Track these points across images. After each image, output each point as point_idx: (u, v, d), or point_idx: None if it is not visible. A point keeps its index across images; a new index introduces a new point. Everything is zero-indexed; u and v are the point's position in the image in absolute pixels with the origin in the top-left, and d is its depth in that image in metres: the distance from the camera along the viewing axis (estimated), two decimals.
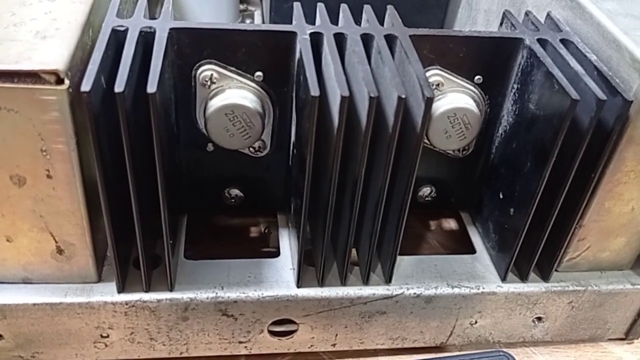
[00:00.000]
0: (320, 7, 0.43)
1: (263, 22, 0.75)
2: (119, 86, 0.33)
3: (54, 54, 0.33)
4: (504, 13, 0.45)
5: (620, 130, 0.38)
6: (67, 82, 0.33)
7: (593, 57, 0.40)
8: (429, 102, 0.35)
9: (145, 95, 0.33)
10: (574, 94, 0.36)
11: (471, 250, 0.48)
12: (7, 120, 0.34)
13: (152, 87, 0.33)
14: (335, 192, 0.38)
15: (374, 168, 0.39)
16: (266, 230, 0.51)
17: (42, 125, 0.34)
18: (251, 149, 0.45)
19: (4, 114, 0.33)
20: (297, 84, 0.41)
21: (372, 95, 0.34)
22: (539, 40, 0.42)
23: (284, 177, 0.47)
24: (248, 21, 0.71)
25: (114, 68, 0.35)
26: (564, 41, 0.42)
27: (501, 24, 0.46)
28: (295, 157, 0.43)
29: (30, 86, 0.33)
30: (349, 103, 0.34)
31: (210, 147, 0.45)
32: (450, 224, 0.53)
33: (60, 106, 0.33)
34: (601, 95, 0.36)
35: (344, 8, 0.44)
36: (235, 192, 0.48)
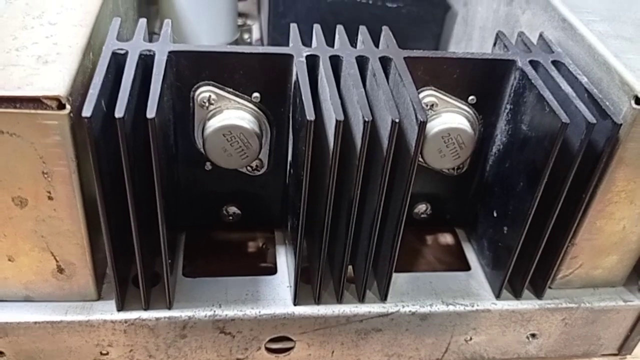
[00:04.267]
0: (317, 28, 0.44)
1: (261, 36, 0.76)
2: (119, 112, 0.33)
3: (55, 80, 0.34)
4: (497, 34, 0.46)
5: (611, 152, 0.39)
6: (68, 107, 0.33)
7: (584, 79, 0.41)
8: (422, 125, 0.36)
9: (144, 119, 0.34)
10: (564, 117, 0.37)
11: (466, 267, 0.49)
12: (9, 144, 0.34)
13: (151, 113, 0.34)
14: (331, 212, 0.39)
15: (369, 188, 0.40)
16: (264, 246, 0.51)
17: (44, 148, 0.35)
18: (249, 167, 0.46)
19: (6, 138, 0.34)
20: (293, 105, 0.42)
21: (367, 119, 0.35)
22: (531, 62, 0.42)
23: (281, 194, 0.48)
24: (246, 36, 0.71)
25: (114, 91, 0.36)
26: (555, 63, 0.43)
27: (495, 44, 0.47)
28: (292, 177, 0.44)
29: (32, 111, 0.33)
30: (343, 126, 0.35)
31: (208, 165, 0.45)
32: (446, 240, 0.53)
33: (61, 130, 0.34)
34: (591, 118, 0.37)
35: (339, 29, 0.44)
36: (232, 209, 0.49)
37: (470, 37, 0.63)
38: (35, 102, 0.33)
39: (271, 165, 0.46)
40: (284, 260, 0.48)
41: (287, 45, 0.65)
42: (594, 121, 0.37)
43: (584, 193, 0.40)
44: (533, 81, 0.40)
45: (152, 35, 0.73)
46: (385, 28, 0.45)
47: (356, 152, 0.37)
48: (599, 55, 0.41)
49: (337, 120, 0.35)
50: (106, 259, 0.40)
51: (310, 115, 0.35)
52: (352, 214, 0.39)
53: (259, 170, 0.46)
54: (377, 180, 0.38)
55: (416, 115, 0.36)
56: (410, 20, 0.66)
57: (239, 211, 0.49)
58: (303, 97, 0.36)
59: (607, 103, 0.39)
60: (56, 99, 0.33)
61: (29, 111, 0.33)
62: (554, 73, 0.41)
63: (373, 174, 0.39)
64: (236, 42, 0.69)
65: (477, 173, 0.48)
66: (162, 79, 0.36)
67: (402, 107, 0.38)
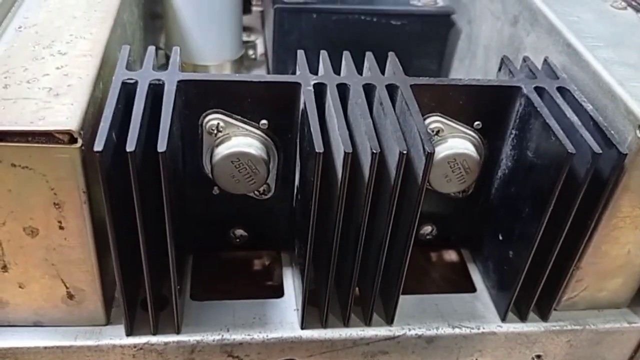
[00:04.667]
0: (323, 55, 0.44)
1: (265, 51, 0.77)
2: (130, 146, 0.34)
3: (67, 114, 0.34)
4: (502, 59, 0.47)
5: (616, 180, 0.39)
6: (80, 141, 0.34)
7: (589, 107, 0.41)
8: (429, 157, 0.36)
9: (155, 151, 0.34)
10: (570, 147, 0.37)
11: (471, 288, 0.49)
12: (21, 176, 0.35)
13: (162, 147, 0.34)
14: (338, 239, 0.39)
15: (376, 216, 0.40)
16: (270, 267, 0.52)
17: (56, 180, 0.35)
18: (256, 192, 0.46)
19: (19, 171, 0.35)
20: (301, 132, 0.42)
21: (375, 151, 0.35)
22: (536, 88, 0.43)
23: (288, 217, 0.48)
24: (251, 52, 0.72)
25: (124, 122, 0.36)
26: (560, 89, 0.43)
27: (500, 69, 0.47)
28: (300, 203, 0.44)
29: (44, 145, 0.34)
30: (352, 157, 0.36)
31: (215, 190, 0.46)
32: (451, 261, 0.54)
33: (73, 163, 0.34)
34: (597, 148, 0.37)
35: (346, 56, 0.45)
36: (240, 232, 0.49)
37: (474, 55, 0.64)
38: (47, 136, 0.34)
39: (278, 188, 0.46)
40: (291, 283, 0.48)
41: (292, 62, 0.65)
42: (600, 151, 0.37)
43: (589, 219, 0.41)
44: (539, 109, 0.40)
45: (157, 50, 0.73)
46: (391, 54, 0.45)
47: (364, 181, 0.37)
48: (604, 82, 0.41)
49: (345, 152, 0.35)
50: (114, 281, 0.40)
51: (319, 147, 0.35)
52: (360, 241, 0.40)
53: (266, 195, 0.46)
54: (385, 208, 0.39)
55: (424, 147, 0.36)
56: (414, 37, 0.66)
57: (245, 233, 0.49)
58: (312, 129, 0.37)
59: (612, 132, 0.39)
60: (68, 133, 0.34)
61: (41, 145, 0.34)
62: (559, 100, 0.42)
63: (381, 201, 0.39)
64: (241, 59, 0.69)
65: (482, 195, 0.49)
66: (171, 112, 0.37)
67: (409, 136, 0.38)
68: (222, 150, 0.42)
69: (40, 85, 0.37)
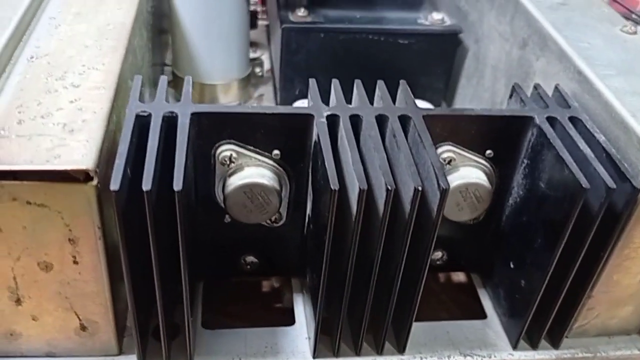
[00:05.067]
0: (335, 84, 0.44)
1: (271, 67, 0.77)
2: (147, 185, 0.34)
3: (82, 151, 0.34)
4: (513, 87, 0.46)
5: (629, 212, 0.39)
6: (95, 179, 0.34)
7: (602, 138, 0.41)
8: (444, 192, 0.36)
9: (170, 188, 0.34)
10: (585, 182, 0.37)
11: (482, 314, 0.49)
12: (36, 213, 0.35)
13: (177, 185, 0.34)
14: (352, 272, 0.39)
15: (390, 248, 0.40)
16: (280, 293, 0.52)
17: (71, 217, 0.35)
18: (268, 220, 0.46)
19: (34, 208, 0.35)
20: (314, 163, 0.42)
21: (390, 187, 0.35)
22: (548, 118, 0.43)
23: (299, 243, 0.48)
24: (257, 70, 0.72)
25: (138, 155, 0.36)
26: (572, 119, 0.43)
27: (510, 96, 0.47)
28: (312, 234, 0.44)
29: (60, 184, 0.34)
30: (366, 193, 0.36)
31: (227, 218, 0.46)
32: (461, 286, 0.54)
33: (88, 200, 0.34)
34: (611, 183, 0.37)
35: (358, 84, 0.45)
36: (250, 258, 0.49)
37: (482, 75, 0.64)
38: (63, 174, 0.33)
39: (289, 216, 0.46)
40: (302, 310, 0.48)
41: (299, 81, 0.65)
42: (614, 186, 0.37)
43: (602, 251, 0.41)
44: (552, 141, 0.40)
45: (163, 66, 0.73)
46: (402, 82, 0.45)
47: (378, 216, 0.37)
48: (616, 113, 0.41)
49: (360, 189, 0.35)
50: (126, 309, 0.40)
51: (334, 185, 0.35)
52: (373, 273, 0.40)
53: (277, 223, 0.46)
54: (399, 241, 0.39)
55: (438, 183, 0.36)
56: (421, 55, 0.67)
57: (256, 260, 0.49)
58: (326, 165, 0.37)
59: (626, 165, 0.39)
60: (84, 171, 0.33)
61: (57, 183, 0.34)
62: (572, 131, 0.42)
63: (394, 234, 0.39)
64: (248, 77, 0.69)
65: (493, 222, 0.48)
66: (186, 147, 0.37)
67: (422, 168, 0.38)
68: (234, 181, 0.42)
69: (55, 120, 0.36)
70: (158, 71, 0.68)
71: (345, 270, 0.40)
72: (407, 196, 0.37)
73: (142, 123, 0.39)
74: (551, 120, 0.43)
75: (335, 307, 0.43)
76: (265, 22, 0.86)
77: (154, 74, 0.61)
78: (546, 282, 0.42)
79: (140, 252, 0.38)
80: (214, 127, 0.41)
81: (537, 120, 0.42)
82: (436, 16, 0.66)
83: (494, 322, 0.48)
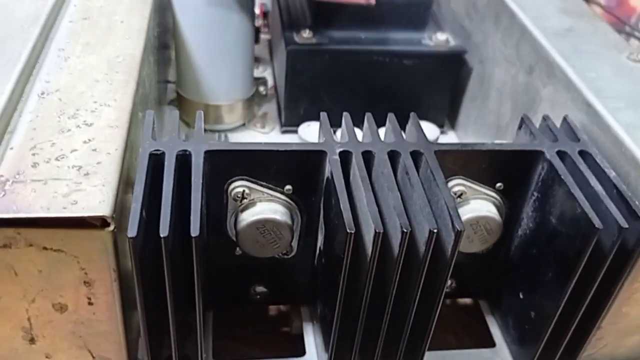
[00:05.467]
0: (346, 117, 0.44)
1: (275, 84, 0.76)
2: (164, 231, 0.34)
3: (99, 197, 0.34)
4: (522, 118, 0.47)
5: None
6: (112, 225, 0.34)
7: (612, 174, 0.41)
8: (459, 234, 0.36)
9: (184, 229, 0.34)
10: (597, 222, 0.37)
11: (490, 342, 0.50)
12: (52, 258, 0.35)
13: (195, 231, 0.34)
14: (366, 311, 0.40)
15: (403, 286, 0.40)
16: (289, 321, 0.52)
17: (86, 261, 0.35)
18: (279, 253, 0.46)
19: (50, 254, 0.34)
20: (326, 197, 0.42)
21: (405, 230, 0.36)
22: (558, 152, 0.43)
23: (309, 272, 0.49)
24: (262, 88, 0.72)
25: (153, 194, 0.36)
26: (582, 153, 0.43)
27: (519, 127, 0.47)
28: (323, 267, 0.44)
29: (77, 230, 0.34)
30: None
31: (238, 250, 0.46)
32: (469, 313, 0.54)
33: (104, 245, 0.34)
34: (623, 222, 0.37)
35: (368, 117, 0.45)
36: (260, 288, 0.49)
37: (487, 96, 0.64)
38: (80, 221, 0.33)
39: (300, 248, 0.46)
40: (312, 340, 0.48)
41: (304, 100, 0.66)
42: (626, 226, 0.37)
43: (612, 286, 0.41)
44: (563, 177, 0.41)
45: (166, 83, 0.73)
46: (413, 115, 0.45)
47: (393, 255, 0.37)
48: (626, 149, 0.42)
49: (376, 232, 0.35)
50: (137, 339, 0.41)
51: (350, 227, 0.36)
52: (387, 311, 0.40)
53: (288, 255, 0.46)
54: (412, 279, 0.39)
55: (453, 224, 0.36)
56: (425, 76, 0.67)
57: (266, 289, 0.49)
58: (342, 207, 0.37)
59: (637, 202, 0.39)
60: (101, 218, 0.33)
61: (74, 230, 0.34)
62: (582, 166, 0.42)
63: (408, 274, 0.39)
64: (252, 96, 0.69)
65: (502, 251, 0.49)
66: (201, 188, 0.37)
67: (435, 206, 0.38)
68: (247, 217, 0.42)
69: (70, 163, 0.36)
70: (162, 89, 0.68)
71: (359, 307, 0.40)
72: (421, 236, 0.37)
73: (156, 161, 0.39)
74: (561, 155, 0.43)
75: (347, 340, 0.43)
76: (267, 37, 0.86)
77: (158, 92, 0.61)
78: (557, 316, 0.42)
79: (153, 287, 0.38)
80: (227, 164, 0.41)
81: (548, 155, 0.43)
82: (440, 37, 0.66)
83: (503, 351, 0.49)
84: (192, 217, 0.35)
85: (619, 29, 0.89)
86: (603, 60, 0.51)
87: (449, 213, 0.37)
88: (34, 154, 0.37)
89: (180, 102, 0.68)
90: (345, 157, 0.41)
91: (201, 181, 0.37)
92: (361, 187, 0.38)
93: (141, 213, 0.34)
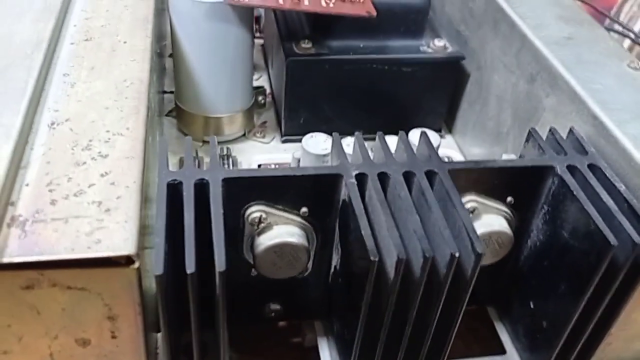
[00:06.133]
0: (358, 137, 0.45)
1: (271, 89, 0.76)
2: (190, 267, 0.34)
3: (123, 234, 0.34)
4: (529, 131, 0.47)
5: None
6: (137, 263, 0.34)
7: (622, 187, 0.42)
8: (479, 257, 0.37)
9: (205, 258, 0.35)
10: (613, 240, 0.38)
11: (501, 349, 0.51)
12: (76, 296, 0.34)
13: (220, 267, 0.34)
14: (386, 334, 0.40)
15: (424, 307, 0.41)
16: (304, 337, 0.52)
17: (111, 298, 0.35)
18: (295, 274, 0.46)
19: (74, 292, 0.34)
20: (342, 219, 0.43)
21: (428, 255, 0.36)
22: (568, 167, 0.44)
23: (322, 288, 0.49)
24: (260, 97, 0.71)
25: (172, 223, 0.36)
26: (591, 166, 0.44)
27: (527, 140, 0.48)
28: (341, 287, 0.45)
29: (101, 269, 0.33)
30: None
31: (253, 271, 0.46)
32: (478, 320, 0.55)
33: (129, 282, 0.34)
34: (637, 239, 0.38)
35: (380, 136, 0.45)
36: (274, 306, 0.49)
37: (486, 102, 0.64)
38: (105, 261, 0.33)
39: (315, 266, 0.47)
40: (327, 354, 0.49)
41: (304, 110, 0.66)
42: None
43: (624, 298, 0.42)
44: (575, 193, 0.41)
45: (163, 94, 0.72)
46: (423, 132, 0.45)
47: (414, 278, 0.38)
48: (636, 163, 0.42)
49: (399, 258, 0.36)
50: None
51: (374, 255, 0.36)
52: (406, 332, 0.41)
53: (303, 274, 0.47)
54: (432, 300, 0.39)
55: (473, 247, 0.37)
56: (424, 82, 0.67)
57: (280, 307, 0.50)
58: (363, 234, 0.37)
59: None
60: (126, 257, 0.33)
61: (98, 269, 0.33)
62: (593, 181, 0.43)
63: (428, 293, 0.40)
64: (252, 107, 0.68)
65: (510, 260, 0.50)
66: (223, 220, 0.37)
67: (452, 227, 0.39)
68: (264, 241, 0.42)
69: (89, 199, 0.36)
70: (160, 99, 0.67)
71: (379, 328, 0.40)
72: (442, 259, 0.38)
73: (173, 192, 0.39)
74: (571, 169, 0.44)
75: (366, 359, 0.44)
76: (259, 41, 0.85)
77: (158, 104, 0.60)
78: (570, 328, 0.43)
79: (173, 311, 0.38)
80: (244, 190, 0.41)
81: (559, 170, 0.43)
82: (438, 43, 0.66)
83: (513, 358, 0.50)
84: (216, 253, 0.34)
85: (599, 20, 0.90)
86: (606, 70, 0.51)
87: (469, 235, 0.37)
88: (50, 190, 0.36)
89: (179, 113, 0.68)
90: (360, 179, 0.41)
91: (222, 214, 0.37)
92: (380, 211, 0.39)
93: (165, 249, 0.34)
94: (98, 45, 0.49)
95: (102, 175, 0.38)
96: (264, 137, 0.69)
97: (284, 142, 0.69)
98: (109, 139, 0.40)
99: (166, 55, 0.78)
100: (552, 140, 0.47)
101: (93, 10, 0.53)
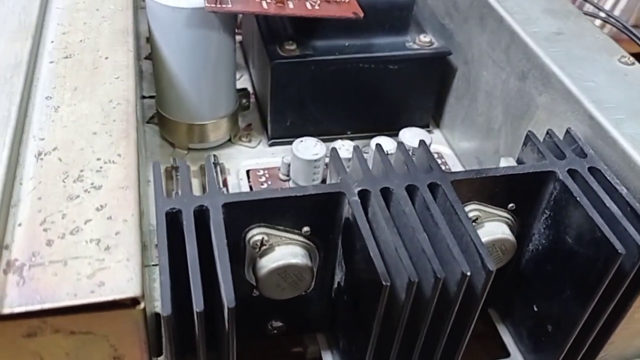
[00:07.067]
0: (357, 150, 0.44)
1: (253, 89, 0.75)
2: (198, 305, 0.32)
3: (126, 275, 0.33)
4: (527, 135, 0.47)
5: None
6: (142, 303, 0.32)
7: (624, 190, 0.42)
8: (489, 274, 0.36)
9: (209, 291, 0.34)
10: (620, 248, 0.38)
11: (504, 352, 0.51)
12: (81, 341, 0.33)
13: (230, 303, 0.33)
14: (397, 351, 0.40)
15: (434, 324, 0.40)
16: (306, 351, 0.52)
17: (116, 339, 0.34)
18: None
19: (79, 337, 0.33)
20: (344, 236, 0.42)
21: (439, 276, 0.36)
22: (569, 171, 0.43)
23: (325, 303, 0.48)
24: (244, 100, 0.70)
25: (174, 252, 0.35)
26: (591, 169, 0.44)
27: (525, 143, 0.47)
28: (346, 304, 0.44)
29: (106, 312, 0.32)
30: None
31: (255, 292, 0.45)
32: (480, 322, 0.55)
33: (135, 323, 0.33)
34: None
35: (378, 147, 0.44)
36: (277, 324, 0.49)
37: (474, 98, 0.64)
38: (110, 304, 0.32)
39: (317, 283, 0.46)
40: None
41: (290, 112, 0.64)
42: None
43: (630, 301, 0.42)
44: (579, 199, 0.41)
45: (142, 99, 0.70)
46: (422, 142, 0.45)
47: (424, 298, 0.37)
48: (635, 164, 0.42)
49: (410, 280, 0.35)
50: None
51: (385, 280, 0.35)
52: (415, 351, 0.40)
53: (305, 292, 0.46)
54: (443, 319, 0.39)
55: (484, 263, 0.36)
56: (411, 78, 0.66)
57: (282, 324, 0.49)
58: (372, 255, 0.36)
59: None
60: (131, 299, 0.32)
61: (103, 312, 0.32)
62: (595, 185, 0.42)
63: (438, 311, 0.39)
64: (236, 111, 0.67)
65: (512, 264, 0.49)
66: (227, 250, 0.35)
67: (460, 241, 0.38)
68: (267, 264, 0.41)
69: (86, 237, 0.34)
70: (141, 106, 0.65)
71: (389, 347, 0.40)
72: (452, 277, 0.37)
73: (172, 220, 0.37)
74: (572, 173, 0.43)
75: None
76: (238, 37, 0.83)
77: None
78: (576, 333, 0.43)
79: (179, 337, 0.37)
80: (244, 213, 0.39)
81: (560, 176, 0.43)
82: (424, 38, 0.65)
83: None
84: (223, 289, 0.33)
85: (579, 6, 0.90)
86: (597, 66, 0.51)
87: (478, 251, 0.37)
88: (45, 230, 0.35)
89: (161, 121, 0.66)
90: (363, 196, 0.40)
91: (225, 243, 0.36)
92: (385, 229, 0.38)
93: (170, 287, 0.33)
94: (79, 62, 0.47)
95: (97, 210, 0.36)
96: (250, 141, 0.68)
97: (271, 145, 0.68)
98: (101, 167, 0.39)
99: (141, 58, 0.76)
100: (550, 143, 0.47)
101: (70, 23, 0.51)
